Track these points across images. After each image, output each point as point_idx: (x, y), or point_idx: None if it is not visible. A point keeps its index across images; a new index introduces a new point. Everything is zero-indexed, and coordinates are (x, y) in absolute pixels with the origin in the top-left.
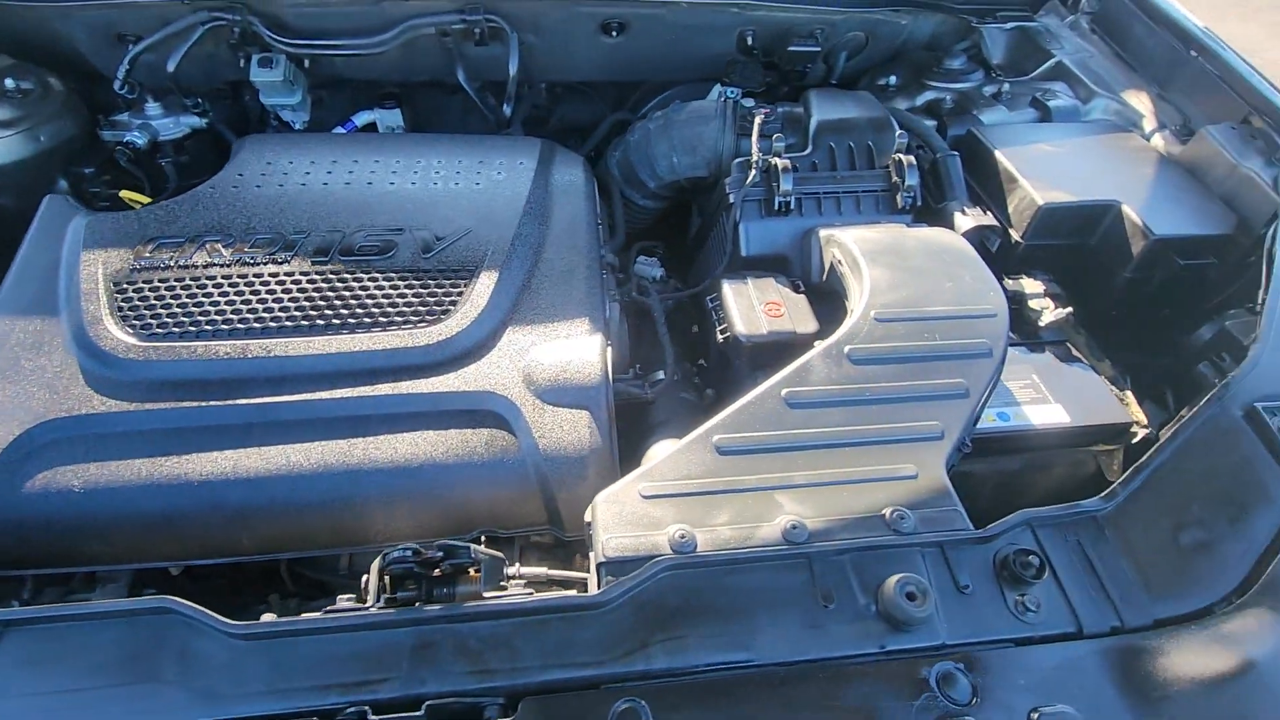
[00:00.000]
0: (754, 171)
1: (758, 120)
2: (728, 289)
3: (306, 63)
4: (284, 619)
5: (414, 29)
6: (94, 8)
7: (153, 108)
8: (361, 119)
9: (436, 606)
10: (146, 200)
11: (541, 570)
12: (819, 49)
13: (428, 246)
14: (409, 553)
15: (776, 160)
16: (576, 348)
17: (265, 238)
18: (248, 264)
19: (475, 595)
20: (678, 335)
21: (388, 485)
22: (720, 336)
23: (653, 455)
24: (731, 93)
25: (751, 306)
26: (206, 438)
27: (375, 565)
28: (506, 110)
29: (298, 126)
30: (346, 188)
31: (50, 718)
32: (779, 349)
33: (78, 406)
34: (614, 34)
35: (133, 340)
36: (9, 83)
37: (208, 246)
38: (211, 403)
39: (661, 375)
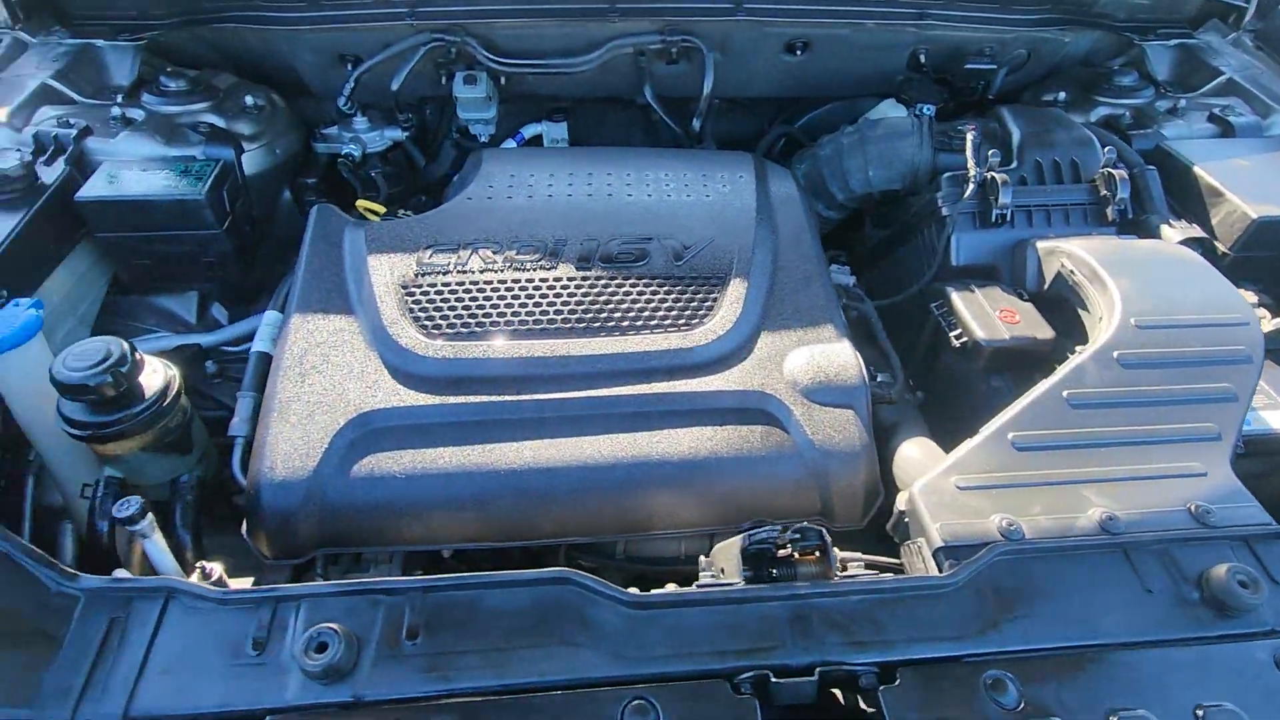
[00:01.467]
0: (971, 185)
1: (970, 136)
2: (956, 296)
3: (504, 79)
4: (669, 591)
5: (616, 49)
6: (322, 30)
7: (360, 122)
8: (529, 131)
9: (805, 584)
10: (381, 209)
11: (856, 555)
12: (994, 66)
13: (678, 254)
14: (774, 533)
15: (995, 175)
16: (832, 351)
17: (530, 245)
18: (519, 269)
19: (823, 575)
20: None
21: (673, 476)
22: (956, 341)
23: (908, 453)
24: (926, 110)
25: (986, 313)
26: (506, 429)
27: (737, 543)
28: (696, 125)
29: (483, 139)
30: (589, 199)
31: (492, 672)
32: (1017, 354)
33: (390, 399)
34: (797, 53)
35: (427, 339)
36: (249, 99)
37: (480, 253)
38: (509, 397)
39: (884, 378)
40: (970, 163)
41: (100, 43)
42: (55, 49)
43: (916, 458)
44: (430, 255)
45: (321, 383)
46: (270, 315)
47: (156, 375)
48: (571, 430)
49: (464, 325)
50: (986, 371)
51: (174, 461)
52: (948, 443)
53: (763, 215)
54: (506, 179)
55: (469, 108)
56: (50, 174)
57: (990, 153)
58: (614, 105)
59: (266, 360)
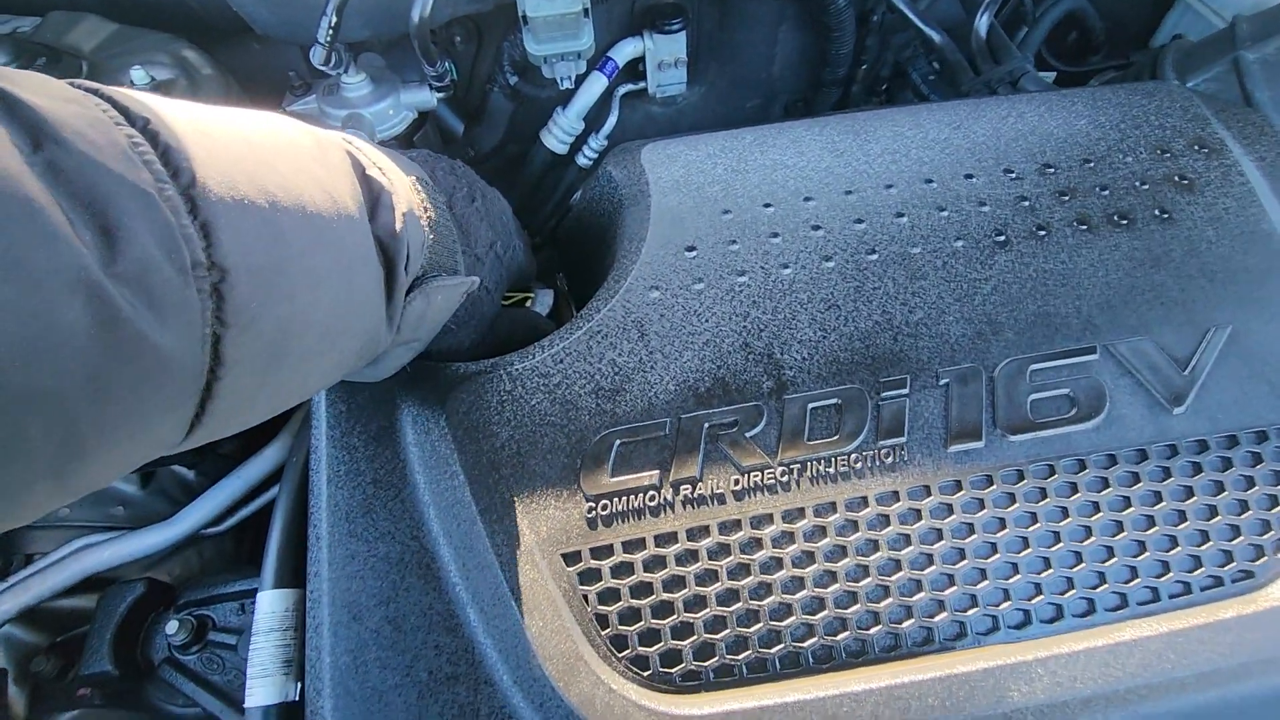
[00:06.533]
0: None
1: None
2: None
3: None
4: None
5: None
6: None
7: (354, 83)
8: (623, 53)
9: None
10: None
11: None
12: None
13: (1168, 387)
14: None
15: None
16: None
17: (828, 398)
18: (821, 479)
19: None
20: None
21: None
22: None
23: None
24: None
25: None
26: None
27: None
28: (982, 23)
29: (567, 84)
30: (914, 255)
31: None
32: None
33: None
34: None
35: (666, 707)
36: (137, 73)
37: (728, 446)
38: None
39: None
40: None
41: None
42: None
43: None
44: (607, 472)
45: None
46: (269, 602)
47: None
48: None
49: (733, 650)
50: None
51: None
52: None
53: None
54: (717, 224)
55: (546, 34)
56: None
57: None
58: None
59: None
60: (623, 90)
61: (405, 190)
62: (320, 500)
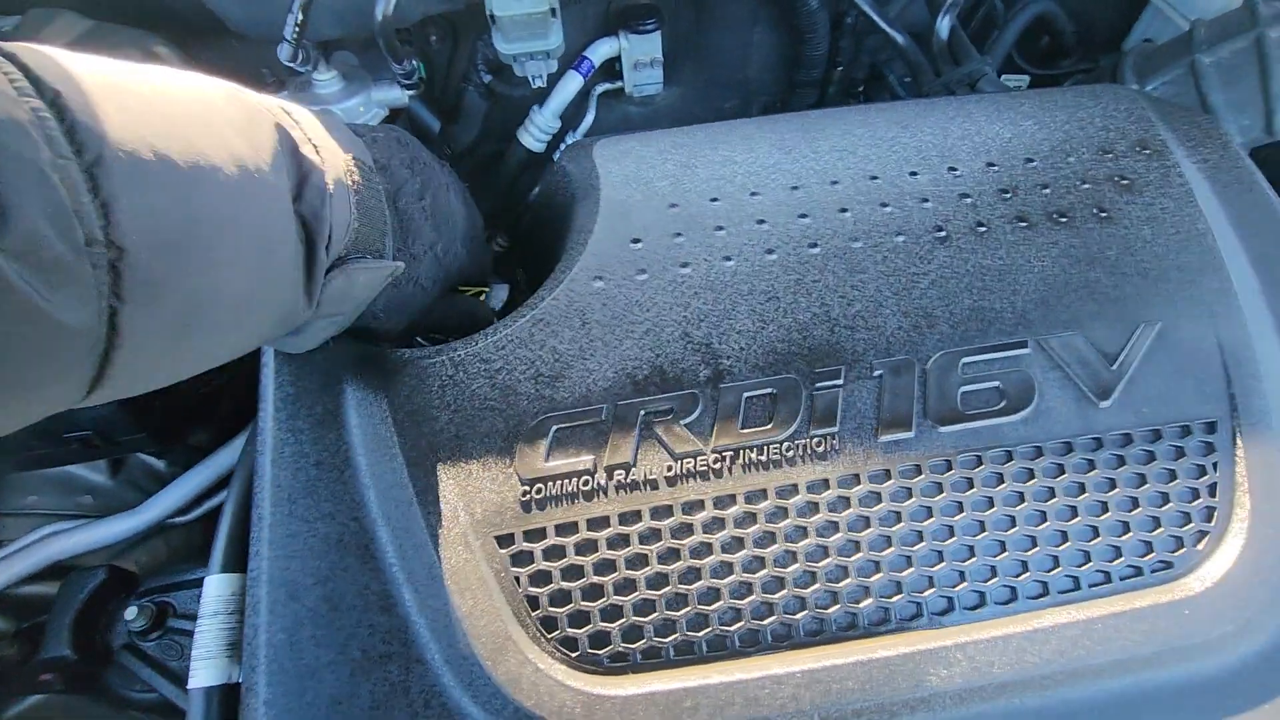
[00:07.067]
0: None
1: None
2: None
3: None
4: None
5: None
6: None
7: (325, 80)
8: (598, 52)
9: None
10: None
11: None
12: None
13: (1096, 380)
14: None
15: None
16: None
17: (762, 387)
18: (756, 466)
19: None
20: None
21: None
22: None
23: None
24: None
25: None
26: None
27: None
28: (943, 25)
29: (539, 83)
30: (853, 249)
31: None
32: None
33: None
34: None
35: (591, 687)
36: None
37: (659, 428)
38: None
39: None
40: None
41: None
42: None
43: None
44: (542, 456)
45: None
46: (216, 586)
47: None
48: None
49: (660, 633)
50: None
51: None
52: None
53: (1226, 238)
54: (663, 217)
55: (515, 34)
56: None
57: None
58: None
59: (225, 701)
60: (600, 89)
61: (337, 169)
62: (264, 481)
